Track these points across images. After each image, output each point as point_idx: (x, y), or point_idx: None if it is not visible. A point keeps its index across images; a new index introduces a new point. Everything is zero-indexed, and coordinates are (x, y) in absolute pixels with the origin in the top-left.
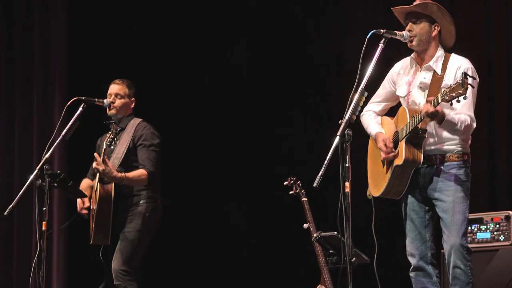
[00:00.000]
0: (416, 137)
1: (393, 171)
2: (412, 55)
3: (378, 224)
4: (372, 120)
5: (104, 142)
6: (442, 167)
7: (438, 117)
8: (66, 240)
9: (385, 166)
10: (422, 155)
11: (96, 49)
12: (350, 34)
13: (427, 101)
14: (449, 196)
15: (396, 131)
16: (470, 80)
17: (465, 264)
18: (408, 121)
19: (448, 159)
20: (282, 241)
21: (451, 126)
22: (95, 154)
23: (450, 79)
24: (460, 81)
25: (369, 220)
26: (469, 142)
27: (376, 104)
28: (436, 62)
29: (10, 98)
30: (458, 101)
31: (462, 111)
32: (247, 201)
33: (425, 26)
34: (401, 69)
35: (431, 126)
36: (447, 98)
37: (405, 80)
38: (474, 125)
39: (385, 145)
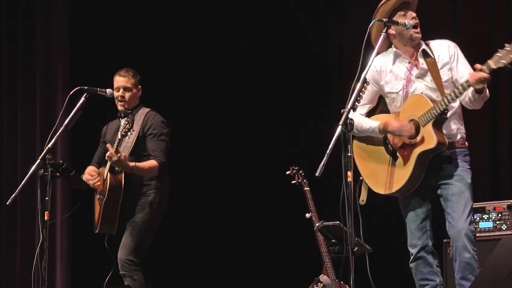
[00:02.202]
0: (440, 119)
1: (417, 160)
2: (394, 50)
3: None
4: (366, 118)
5: (119, 133)
6: (448, 153)
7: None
8: (69, 229)
9: (401, 159)
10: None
11: (99, 38)
12: (352, 23)
13: (476, 71)
14: (459, 182)
15: (412, 119)
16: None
17: (473, 249)
18: (435, 103)
19: (454, 146)
20: (284, 230)
21: (484, 94)
22: (108, 145)
23: (444, 58)
24: (509, 47)
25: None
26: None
27: (361, 107)
28: (426, 47)
29: (13, 88)
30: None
31: (466, 74)
32: (249, 191)
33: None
34: (381, 66)
35: None
36: (501, 64)
37: (395, 75)
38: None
39: (402, 124)
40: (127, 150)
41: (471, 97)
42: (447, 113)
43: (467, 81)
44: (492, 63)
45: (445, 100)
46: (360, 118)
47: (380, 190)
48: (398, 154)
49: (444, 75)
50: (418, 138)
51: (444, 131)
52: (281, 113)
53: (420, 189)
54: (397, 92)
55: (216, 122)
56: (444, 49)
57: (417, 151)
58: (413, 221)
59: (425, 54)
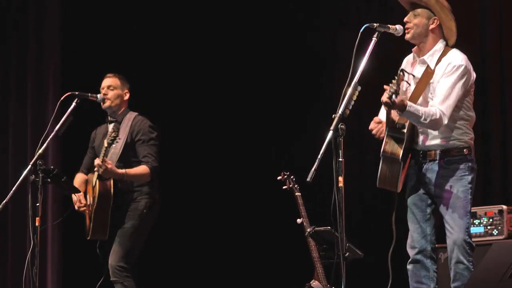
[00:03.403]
0: (395, 131)
1: (381, 162)
2: (414, 47)
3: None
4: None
5: (105, 141)
6: (442, 162)
7: (395, 107)
8: (60, 235)
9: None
10: (401, 150)
11: (90, 44)
12: (344, 28)
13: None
14: (448, 191)
15: None
16: (406, 77)
17: (468, 259)
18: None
19: (448, 154)
20: (275, 236)
21: (414, 118)
22: (96, 159)
23: (439, 73)
24: (396, 77)
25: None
26: (471, 136)
27: None
28: (431, 56)
29: (4, 93)
30: (395, 97)
31: (434, 103)
32: (240, 196)
33: (422, 19)
34: (407, 63)
35: None
36: (388, 94)
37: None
38: (445, 119)
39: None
40: (116, 156)
41: None
42: (399, 127)
43: None
44: (388, 90)
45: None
46: None
47: None
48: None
49: (433, 89)
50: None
51: (431, 141)
52: (273, 118)
53: (419, 194)
54: (405, 91)
55: (208, 127)
56: (444, 64)
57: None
58: (412, 224)
59: (423, 62)
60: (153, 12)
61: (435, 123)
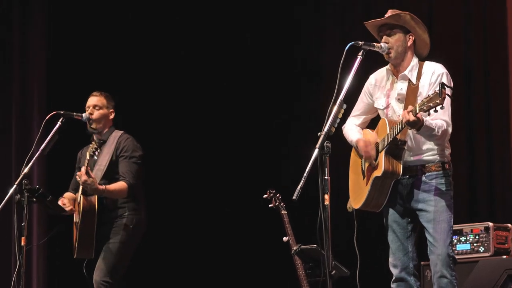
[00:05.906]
0: (395, 148)
1: (373, 183)
2: (388, 66)
3: (360, 236)
4: (353, 129)
5: (87, 153)
6: (423, 177)
7: (418, 125)
8: (46, 255)
9: (366, 178)
10: (401, 166)
11: (75, 63)
12: (328, 46)
13: (406, 111)
14: (432, 206)
15: (377, 142)
16: (447, 90)
17: (451, 274)
18: (388, 132)
19: (429, 169)
20: (262, 254)
21: (429, 132)
22: (83, 167)
23: (425, 85)
24: (438, 91)
25: (350, 232)
26: (449, 151)
27: (355, 117)
28: (411, 71)
29: None
30: (436, 110)
31: (437, 116)
32: (226, 215)
33: (400, 37)
34: (376, 80)
35: (410, 137)
36: (425, 108)
37: (383, 92)
38: (450, 129)
39: (366, 146)
40: (100, 172)
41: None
42: (401, 144)
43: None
44: (417, 107)
45: (390, 133)
46: (349, 127)
47: (353, 203)
48: (365, 172)
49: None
50: (376, 162)
51: (413, 157)
52: (259, 136)
53: (400, 211)
54: (382, 109)
55: (196, 143)
56: (428, 75)
57: (373, 174)
58: (393, 242)
59: (404, 78)
60: (138, 29)
61: (444, 134)
